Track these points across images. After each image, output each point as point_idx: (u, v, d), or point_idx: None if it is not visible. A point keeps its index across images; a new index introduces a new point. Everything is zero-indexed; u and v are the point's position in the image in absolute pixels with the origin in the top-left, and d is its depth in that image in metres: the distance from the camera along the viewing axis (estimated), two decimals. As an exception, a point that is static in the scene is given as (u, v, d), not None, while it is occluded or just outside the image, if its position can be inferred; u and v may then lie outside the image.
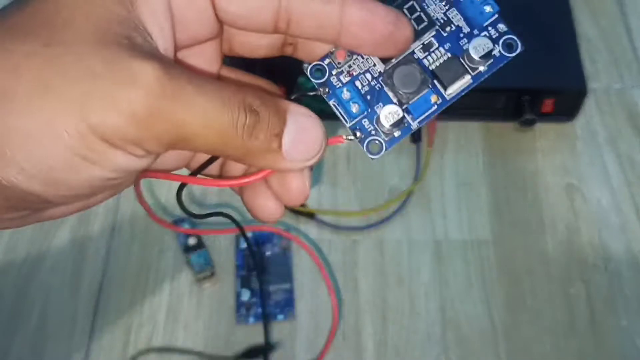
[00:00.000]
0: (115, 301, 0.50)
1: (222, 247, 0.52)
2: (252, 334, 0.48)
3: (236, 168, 0.27)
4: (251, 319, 0.48)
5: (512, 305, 0.49)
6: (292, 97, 0.26)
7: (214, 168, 0.28)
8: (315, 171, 0.55)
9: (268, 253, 0.51)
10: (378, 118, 0.25)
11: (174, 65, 0.21)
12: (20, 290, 0.50)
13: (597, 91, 0.58)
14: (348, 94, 0.25)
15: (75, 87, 0.19)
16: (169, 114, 0.20)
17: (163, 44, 0.22)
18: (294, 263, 0.51)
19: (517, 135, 0.57)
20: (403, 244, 0.52)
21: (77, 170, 0.20)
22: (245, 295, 0.49)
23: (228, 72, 0.27)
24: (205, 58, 0.25)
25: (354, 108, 0.25)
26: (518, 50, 0.25)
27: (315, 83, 0.26)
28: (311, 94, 0.26)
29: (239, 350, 0.48)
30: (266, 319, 0.41)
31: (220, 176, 0.28)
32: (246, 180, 0.24)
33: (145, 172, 0.25)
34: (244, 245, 0.51)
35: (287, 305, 0.49)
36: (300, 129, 0.22)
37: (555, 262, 0.51)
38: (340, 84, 0.25)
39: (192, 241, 0.51)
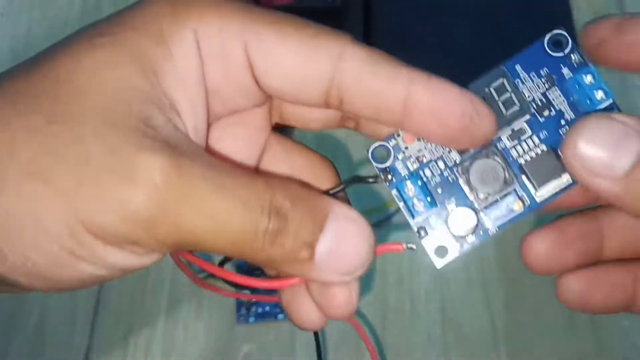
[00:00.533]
0: (115, 302, 0.50)
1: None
2: (252, 334, 0.48)
3: None
4: (251, 319, 0.48)
5: (512, 306, 0.49)
6: (342, 188, 0.22)
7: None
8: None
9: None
10: (448, 217, 0.21)
11: (190, 155, 0.18)
12: (20, 291, 0.50)
13: (598, 91, 0.58)
14: (413, 188, 0.21)
15: (70, 175, 0.17)
16: (173, 217, 0.17)
17: (193, 120, 0.19)
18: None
19: (518, 135, 0.57)
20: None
21: (63, 265, 0.18)
22: (245, 295, 0.49)
23: (277, 140, 0.23)
24: (251, 126, 0.22)
25: (419, 206, 0.21)
26: None
27: (377, 167, 0.22)
28: (371, 181, 0.22)
29: (240, 350, 0.48)
30: None
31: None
32: (278, 284, 0.21)
33: (178, 253, 0.22)
34: (244, 245, 0.51)
35: (288, 305, 0.49)
36: (341, 237, 0.19)
37: (555, 262, 0.51)
38: (406, 172, 0.21)
39: (192, 241, 0.51)
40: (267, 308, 0.49)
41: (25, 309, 0.49)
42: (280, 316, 0.48)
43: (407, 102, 0.19)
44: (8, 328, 0.48)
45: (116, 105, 0.18)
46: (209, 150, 0.21)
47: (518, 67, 0.21)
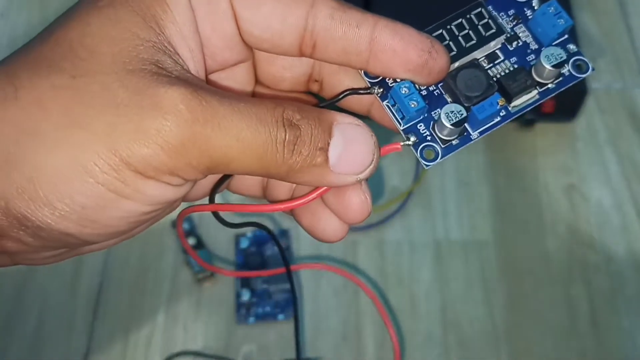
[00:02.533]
0: (115, 302, 0.50)
1: (222, 247, 0.52)
2: (252, 334, 0.48)
3: (280, 189, 0.25)
4: (251, 319, 0.48)
5: (513, 306, 0.49)
6: (338, 99, 0.24)
7: (254, 188, 0.26)
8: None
9: (268, 253, 0.51)
10: (435, 123, 0.23)
11: (203, 87, 0.20)
12: (19, 292, 0.50)
13: (598, 91, 0.58)
14: (407, 90, 0.23)
15: (102, 119, 0.19)
16: (202, 140, 0.19)
17: (194, 66, 0.21)
18: (294, 263, 0.51)
19: (517, 135, 0.57)
20: (403, 245, 0.52)
21: (111, 206, 0.19)
22: (245, 296, 0.49)
23: (263, 90, 0.25)
24: (237, 81, 0.24)
25: (413, 104, 0.23)
26: (588, 72, 0.25)
27: (369, 82, 0.24)
28: (363, 92, 0.24)
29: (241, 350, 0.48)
30: (297, 335, 0.39)
31: (265, 196, 0.26)
32: (299, 202, 0.23)
33: (188, 209, 0.23)
34: (244, 245, 0.51)
35: (288, 305, 0.49)
36: (349, 141, 0.21)
37: (556, 263, 0.51)
38: (396, 82, 0.24)
39: (192, 241, 0.51)
40: (267, 308, 0.49)
41: (25, 309, 0.49)
42: (280, 316, 0.48)
43: (372, 43, 0.22)
44: (7, 328, 0.48)
45: (128, 56, 0.19)
46: None
47: (490, 7, 0.25)
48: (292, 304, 0.49)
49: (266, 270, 0.48)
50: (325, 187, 0.23)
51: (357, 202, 0.23)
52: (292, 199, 0.24)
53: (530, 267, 0.51)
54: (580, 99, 0.55)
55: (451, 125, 0.23)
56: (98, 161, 0.18)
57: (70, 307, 0.49)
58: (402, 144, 0.23)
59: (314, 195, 0.23)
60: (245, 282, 0.50)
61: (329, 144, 0.21)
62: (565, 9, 0.64)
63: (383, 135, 0.24)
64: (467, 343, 0.48)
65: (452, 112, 0.23)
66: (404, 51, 0.22)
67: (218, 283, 0.50)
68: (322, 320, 0.49)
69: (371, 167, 0.22)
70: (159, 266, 0.51)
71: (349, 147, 0.21)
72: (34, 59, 0.20)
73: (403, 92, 0.23)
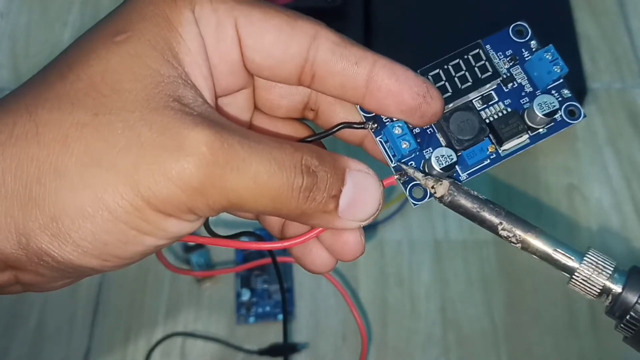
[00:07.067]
0: (115, 302, 0.50)
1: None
2: (252, 334, 0.48)
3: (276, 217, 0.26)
4: (251, 319, 0.48)
5: (512, 306, 0.49)
6: (332, 132, 0.24)
7: (250, 214, 0.27)
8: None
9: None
10: (426, 162, 0.24)
11: (225, 126, 0.20)
12: (20, 291, 0.50)
13: (598, 91, 0.58)
14: (400, 130, 0.24)
15: (125, 158, 0.19)
16: (221, 182, 0.19)
17: (208, 94, 0.21)
18: (294, 263, 0.51)
19: (518, 135, 0.57)
20: (403, 244, 0.52)
21: (131, 242, 0.20)
22: (245, 295, 0.49)
23: (261, 119, 0.26)
24: (237, 107, 0.25)
25: (405, 145, 0.24)
26: (580, 119, 0.25)
27: (364, 116, 0.24)
28: (357, 127, 0.24)
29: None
30: (286, 318, 0.41)
31: (258, 220, 0.27)
32: (297, 241, 0.23)
33: (189, 237, 0.24)
34: (243, 245, 0.51)
35: (287, 304, 0.49)
36: (359, 189, 0.22)
37: (555, 262, 0.51)
38: (390, 120, 0.24)
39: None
40: (267, 308, 0.49)
41: (25, 309, 0.49)
42: (280, 316, 0.48)
43: (369, 81, 0.22)
44: (8, 328, 0.48)
45: (151, 93, 0.20)
46: None
47: (488, 47, 0.25)
48: (292, 304, 0.49)
49: (251, 263, 0.48)
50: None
51: (353, 242, 0.24)
52: (288, 238, 0.25)
53: (529, 266, 0.51)
54: (579, 99, 0.55)
55: (441, 169, 0.23)
56: (121, 201, 0.19)
57: (70, 307, 0.49)
58: (396, 177, 0.24)
59: (312, 234, 0.23)
60: (245, 282, 0.50)
61: (341, 191, 0.21)
62: (566, 9, 0.64)
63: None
64: (466, 343, 0.48)
65: (442, 156, 0.23)
66: (399, 92, 0.22)
67: (218, 283, 0.50)
68: (322, 320, 0.49)
69: (375, 215, 0.22)
70: (159, 266, 0.51)
71: (359, 196, 0.22)
72: (54, 94, 0.20)
73: (396, 132, 0.24)
